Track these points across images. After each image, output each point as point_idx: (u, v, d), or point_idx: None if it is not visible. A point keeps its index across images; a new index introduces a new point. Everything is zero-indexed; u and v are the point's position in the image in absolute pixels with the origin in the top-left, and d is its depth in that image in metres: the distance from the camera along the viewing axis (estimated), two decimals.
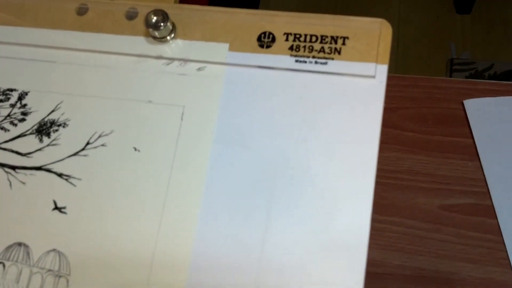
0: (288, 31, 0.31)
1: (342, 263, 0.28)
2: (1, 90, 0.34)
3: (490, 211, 0.45)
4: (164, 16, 0.31)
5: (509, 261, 0.42)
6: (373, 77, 0.30)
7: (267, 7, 1.57)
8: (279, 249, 0.28)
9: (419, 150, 0.48)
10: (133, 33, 0.33)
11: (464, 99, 0.50)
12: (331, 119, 0.30)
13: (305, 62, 0.30)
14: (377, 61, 0.30)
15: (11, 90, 0.34)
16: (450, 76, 1.49)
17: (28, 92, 0.33)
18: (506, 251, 0.43)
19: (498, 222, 0.44)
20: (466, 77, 1.47)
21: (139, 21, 0.33)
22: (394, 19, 1.63)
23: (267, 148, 0.30)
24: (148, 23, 0.31)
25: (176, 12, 0.32)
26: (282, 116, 0.30)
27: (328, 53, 0.30)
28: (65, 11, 0.34)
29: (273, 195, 0.30)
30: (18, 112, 0.33)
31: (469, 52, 1.53)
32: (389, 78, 0.30)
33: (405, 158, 0.48)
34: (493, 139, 0.47)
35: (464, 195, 0.45)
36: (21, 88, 0.33)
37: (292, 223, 0.29)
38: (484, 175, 0.46)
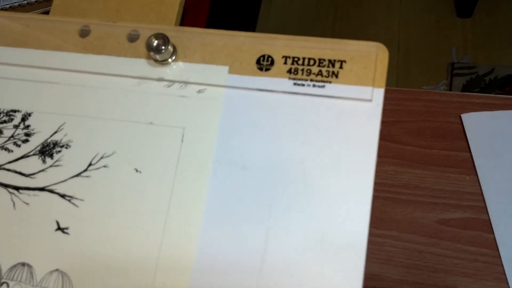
0: (286, 54, 0.32)
1: (342, 265, 0.28)
2: (5, 111, 0.34)
3: (486, 225, 0.45)
4: (165, 39, 0.32)
5: (505, 275, 0.42)
6: (370, 100, 0.30)
7: (266, 23, 1.58)
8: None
9: (417, 164, 0.49)
10: (135, 55, 0.33)
11: (461, 113, 0.50)
12: (328, 141, 0.30)
13: (303, 85, 0.31)
14: (373, 84, 0.30)
15: (15, 111, 0.34)
16: (451, 80, 1.50)
17: (32, 113, 0.34)
18: (502, 265, 0.43)
19: (494, 237, 0.44)
20: (467, 81, 1.48)
21: (141, 43, 0.34)
22: (395, 23, 1.64)
23: (266, 169, 0.31)
24: (149, 47, 0.32)
25: (177, 34, 0.33)
26: (281, 138, 0.31)
27: (326, 76, 0.31)
28: (67, 33, 0.34)
29: (272, 216, 0.30)
30: (21, 133, 0.34)
31: (470, 56, 1.53)
32: (388, 91, 0.31)
33: (403, 172, 0.48)
34: (490, 153, 0.48)
35: (461, 209, 0.46)
36: (24, 109, 0.34)
37: (291, 240, 0.30)
38: (481, 189, 0.47)
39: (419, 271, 0.44)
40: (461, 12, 1.60)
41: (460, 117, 0.50)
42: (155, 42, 0.31)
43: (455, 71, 1.52)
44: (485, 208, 0.46)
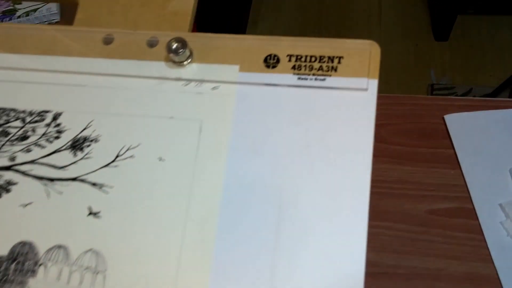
0: (290, 53, 0.36)
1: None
2: (37, 112, 0.38)
3: (472, 213, 0.49)
4: (183, 43, 0.36)
5: (491, 256, 0.46)
6: (366, 90, 0.35)
7: (254, 32, 1.64)
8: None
9: (406, 162, 0.53)
10: (154, 58, 0.38)
11: (444, 114, 0.55)
12: (330, 126, 0.35)
13: (306, 79, 0.35)
14: (368, 76, 0.35)
15: (46, 111, 0.38)
16: None
17: (62, 112, 0.38)
18: (488, 248, 0.47)
19: (479, 223, 0.49)
20: None
21: (159, 48, 0.38)
22: None
23: (276, 154, 0.35)
24: (169, 49, 0.36)
25: (192, 39, 0.37)
26: (288, 126, 0.35)
27: (326, 71, 0.35)
28: (93, 41, 0.39)
29: (283, 195, 0.34)
30: (53, 131, 0.37)
31: (448, 77, 1.60)
32: (377, 97, 0.35)
33: (394, 169, 0.53)
34: (472, 149, 0.52)
35: (448, 200, 0.50)
36: (55, 109, 0.38)
37: (301, 214, 0.33)
38: (465, 181, 0.51)
39: (412, 256, 0.48)
40: (438, 35, 1.68)
41: (443, 118, 0.55)
42: (175, 45, 0.36)
43: (434, 92, 1.58)
44: (469, 198, 0.50)
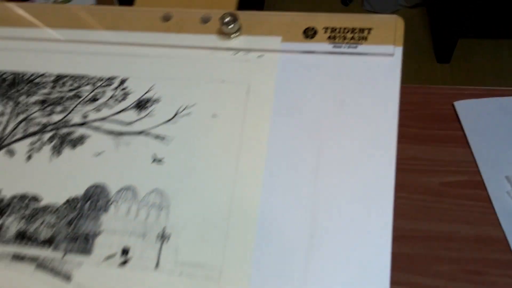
0: (326, 25, 0.42)
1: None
2: (105, 78, 0.44)
3: (481, 185, 0.55)
4: (234, 17, 0.42)
5: (499, 221, 0.52)
6: (392, 55, 0.41)
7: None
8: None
9: (420, 142, 0.59)
10: (208, 32, 0.44)
11: (453, 101, 0.61)
12: (362, 85, 0.40)
13: (340, 47, 0.41)
14: (394, 44, 0.41)
15: (113, 77, 0.44)
16: None
17: (127, 78, 0.44)
18: (496, 214, 0.53)
19: (488, 193, 0.54)
20: None
21: (212, 24, 0.44)
22: None
23: (314, 111, 0.41)
24: (222, 22, 0.42)
25: (240, 15, 0.43)
26: (325, 85, 0.41)
27: (358, 40, 0.41)
28: (153, 19, 0.45)
29: (321, 145, 0.40)
30: (120, 93, 0.43)
31: None
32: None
33: (409, 148, 0.58)
34: (480, 129, 0.58)
35: (459, 174, 0.56)
36: (121, 75, 0.44)
37: (336, 162, 0.39)
38: (474, 158, 0.57)
39: (427, 222, 0.53)
40: (440, 58, 1.75)
41: (453, 105, 0.61)
42: (227, 18, 0.42)
43: None
44: (478, 172, 0.56)
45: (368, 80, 0.40)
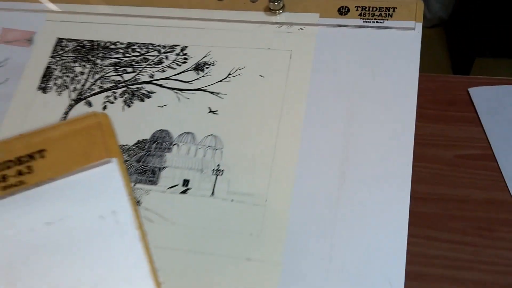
0: (358, 4, 0.50)
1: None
2: (169, 45, 0.52)
3: (492, 157, 0.61)
4: None
5: (508, 188, 0.58)
6: (413, 29, 0.48)
7: None
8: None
9: (437, 121, 0.66)
10: (256, 9, 0.52)
11: (468, 88, 0.68)
12: (387, 52, 0.48)
13: (369, 22, 0.49)
14: (415, 20, 0.48)
15: (176, 45, 0.52)
16: None
17: (187, 46, 0.52)
18: (505, 182, 0.59)
19: (498, 164, 0.61)
20: None
21: (259, 3, 0.52)
22: None
23: (346, 72, 0.48)
24: (269, 0, 0.50)
25: None
26: (356, 52, 0.49)
27: (384, 17, 0.49)
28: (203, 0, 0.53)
29: (351, 100, 0.47)
30: (181, 58, 0.51)
31: None
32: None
33: (427, 126, 0.65)
34: (491, 111, 0.65)
35: (472, 148, 0.63)
36: (182, 44, 0.52)
37: (365, 115, 0.46)
38: (486, 135, 0.63)
39: (443, 187, 0.60)
40: (458, 71, 1.82)
41: (467, 91, 0.68)
42: None
43: None
44: (489, 147, 0.62)
45: (393, 49, 0.48)
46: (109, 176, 0.31)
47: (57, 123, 0.32)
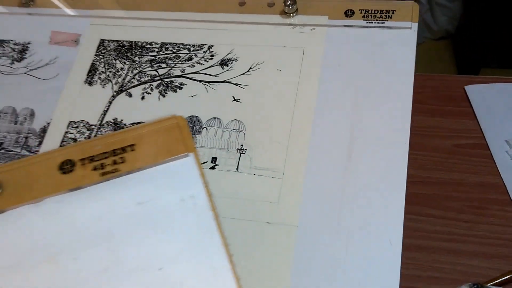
0: (362, 8, 0.58)
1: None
2: (197, 44, 0.60)
3: (485, 147, 0.68)
4: (293, 2, 0.58)
5: (499, 173, 0.65)
6: (410, 28, 0.56)
7: None
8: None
9: (435, 115, 0.73)
10: (273, 13, 0.60)
11: (464, 86, 0.75)
12: (388, 49, 0.55)
13: (372, 22, 0.57)
14: (411, 20, 0.56)
15: (203, 44, 0.60)
16: None
17: (213, 45, 0.60)
18: (497, 167, 0.66)
19: (490, 152, 0.67)
20: None
21: (275, 7, 0.60)
22: None
23: (353, 66, 0.56)
24: (285, 4, 0.58)
25: (298, 1, 0.59)
26: (360, 48, 0.56)
27: (385, 18, 0.57)
28: (231, 4, 0.61)
29: (356, 88, 0.54)
30: (208, 55, 0.59)
31: None
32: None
33: (426, 119, 0.72)
34: (485, 106, 0.72)
35: (467, 139, 0.69)
36: (209, 43, 0.60)
37: (368, 101, 0.53)
38: (480, 127, 0.70)
39: (441, 172, 0.66)
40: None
41: (464, 88, 0.75)
42: (289, 2, 0.58)
43: None
44: (483, 137, 0.69)
45: (392, 45, 0.55)
46: (187, 167, 0.39)
47: (144, 123, 0.39)
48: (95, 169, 0.39)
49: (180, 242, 0.39)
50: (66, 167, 0.39)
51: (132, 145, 0.39)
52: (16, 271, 0.35)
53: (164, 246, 0.38)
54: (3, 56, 0.62)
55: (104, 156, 0.39)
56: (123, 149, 0.39)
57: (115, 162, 0.39)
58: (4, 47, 0.63)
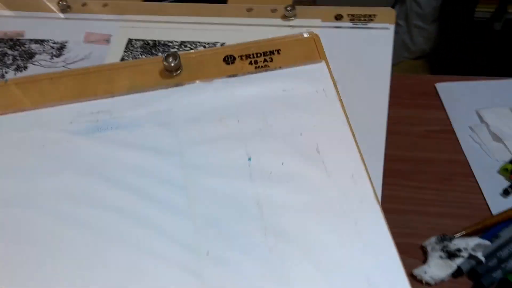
0: (349, 13, 0.71)
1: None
2: (212, 42, 0.72)
3: (452, 132, 0.81)
4: (293, 7, 0.71)
5: (463, 151, 0.78)
6: (388, 29, 0.69)
7: None
8: None
9: (409, 107, 0.86)
10: (275, 17, 0.72)
11: (435, 83, 0.89)
12: (370, 45, 0.68)
13: (357, 24, 0.70)
14: (389, 22, 0.69)
15: (217, 42, 0.72)
16: None
17: (225, 43, 0.72)
18: (461, 147, 0.79)
19: (456, 136, 0.81)
20: None
21: (278, 13, 0.73)
22: None
23: (341, 60, 0.68)
24: (286, 10, 0.71)
25: (296, 7, 0.72)
26: (346, 44, 0.69)
27: (368, 21, 0.70)
28: (240, 10, 0.74)
29: (344, 80, 0.67)
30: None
31: None
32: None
33: (401, 111, 0.85)
34: (452, 100, 0.85)
35: (437, 125, 0.82)
36: (221, 41, 0.72)
37: (349, 90, 0.66)
38: (448, 116, 0.84)
39: (415, 152, 0.79)
40: None
41: (434, 86, 0.89)
42: (289, 8, 0.71)
43: None
44: (450, 125, 0.82)
45: (373, 41, 0.68)
46: (321, 69, 0.56)
47: (288, 35, 0.58)
48: (250, 63, 0.56)
49: (315, 119, 0.53)
50: (229, 59, 0.55)
51: (279, 50, 0.56)
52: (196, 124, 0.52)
53: (303, 121, 0.53)
54: (43, 52, 0.74)
55: (257, 55, 0.56)
56: (271, 52, 0.56)
57: (265, 60, 0.56)
58: (44, 45, 0.74)
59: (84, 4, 0.77)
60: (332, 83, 0.53)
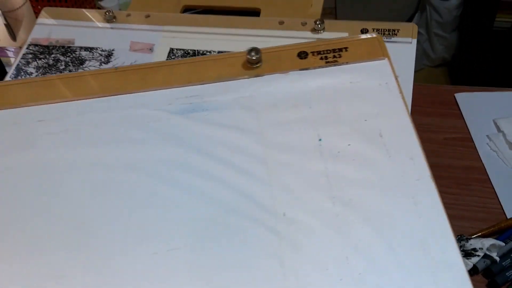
0: (374, 27, 0.76)
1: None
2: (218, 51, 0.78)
3: (470, 140, 0.86)
4: (322, 21, 0.76)
5: (480, 158, 0.83)
6: (410, 43, 0.74)
7: None
8: None
9: (430, 115, 0.91)
10: (305, 30, 0.78)
11: (454, 93, 0.93)
12: (394, 56, 0.74)
13: (387, 38, 0.75)
14: (412, 37, 0.74)
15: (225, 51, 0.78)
16: None
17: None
18: (479, 154, 0.84)
19: (474, 144, 0.85)
20: None
21: (307, 26, 0.78)
22: None
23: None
24: (315, 23, 0.76)
25: (326, 21, 0.78)
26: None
27: (392, 35, 0.75)
28: (273, 22, 0.80)
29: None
30: None
31: None
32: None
33: (422, 118, 0.90)
34: (471, 109, 0.90)
35: (455, 133, 0.87)
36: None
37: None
38: (466, 125, 0.88)
39: (434, 158, 0.84)
40: None
41: (454, 96, 0.94)
42: (318, 21, 0.76)
43: None
44: (468, 132, 0.87)
45: (396, 54, 0.73)
46: (384, 65, 0.62)
47: (355, 36, 0.65)
48: (321, 58, 0.63)
49: (378, 108, 0.59)
50: (302, 55, 0.63)
51: (347, 47, 0.63)
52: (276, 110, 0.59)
53: (367, 109, 0.59)
54: (92, 59, 0.80)
55: (327, 51, 0.63)
56: (340, 49, 0.63)
57: (334, 56, 0.63)
58: (93, 52, 0.81)
59: (128, 15, 0.83)
60: (393, 78, 0.60)
